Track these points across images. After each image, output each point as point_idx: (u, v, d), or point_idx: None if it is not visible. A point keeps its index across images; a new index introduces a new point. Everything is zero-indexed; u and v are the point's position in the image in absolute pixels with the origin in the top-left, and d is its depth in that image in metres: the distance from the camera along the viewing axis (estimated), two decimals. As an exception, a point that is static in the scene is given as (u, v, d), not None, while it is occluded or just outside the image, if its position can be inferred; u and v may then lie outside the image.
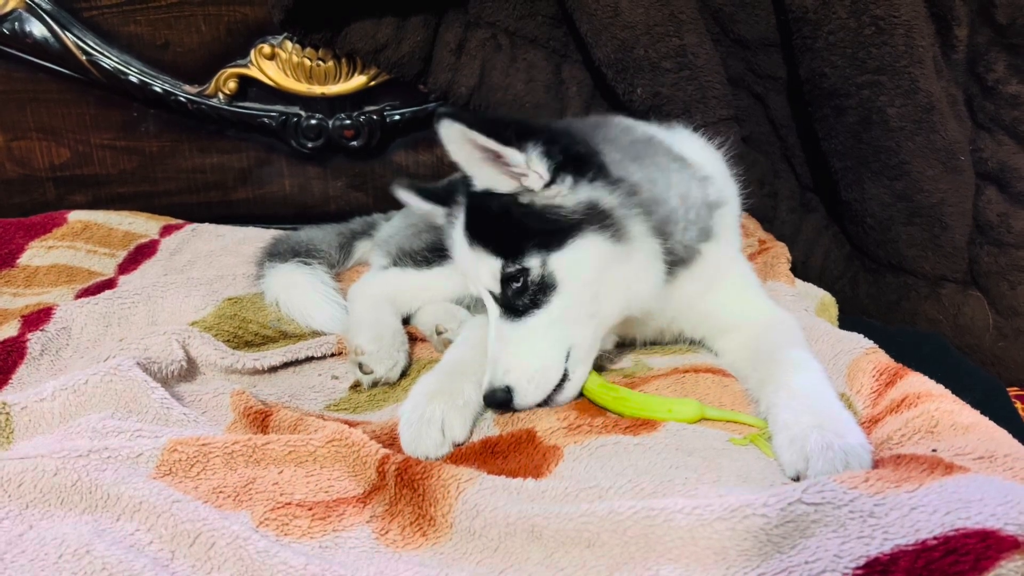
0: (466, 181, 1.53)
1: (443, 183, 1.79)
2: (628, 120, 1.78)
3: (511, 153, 1.41)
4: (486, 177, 1.46)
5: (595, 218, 1.44)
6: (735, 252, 1.74)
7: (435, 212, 1.74)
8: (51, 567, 1.10)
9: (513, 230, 1.45)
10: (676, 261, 1.55)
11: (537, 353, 1.43)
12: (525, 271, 1.43)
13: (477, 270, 1.50)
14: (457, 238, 1.56)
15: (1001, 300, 2.21)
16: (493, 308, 1.48)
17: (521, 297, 1.44)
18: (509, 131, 1.41)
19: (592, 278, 1.45)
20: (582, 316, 1.46)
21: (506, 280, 1.45)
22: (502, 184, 1.46)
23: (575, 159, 1.45)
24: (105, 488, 1.21)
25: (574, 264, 1.44)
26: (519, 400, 1.42)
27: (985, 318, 2.21)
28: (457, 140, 1.40)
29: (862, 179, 2.21)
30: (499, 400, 1.41)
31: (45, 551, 1.12)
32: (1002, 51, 2.16)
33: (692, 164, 1.64)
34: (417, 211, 1.83)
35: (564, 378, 1.45)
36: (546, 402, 1.45)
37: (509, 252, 1.44)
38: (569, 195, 1.45)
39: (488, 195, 1.48)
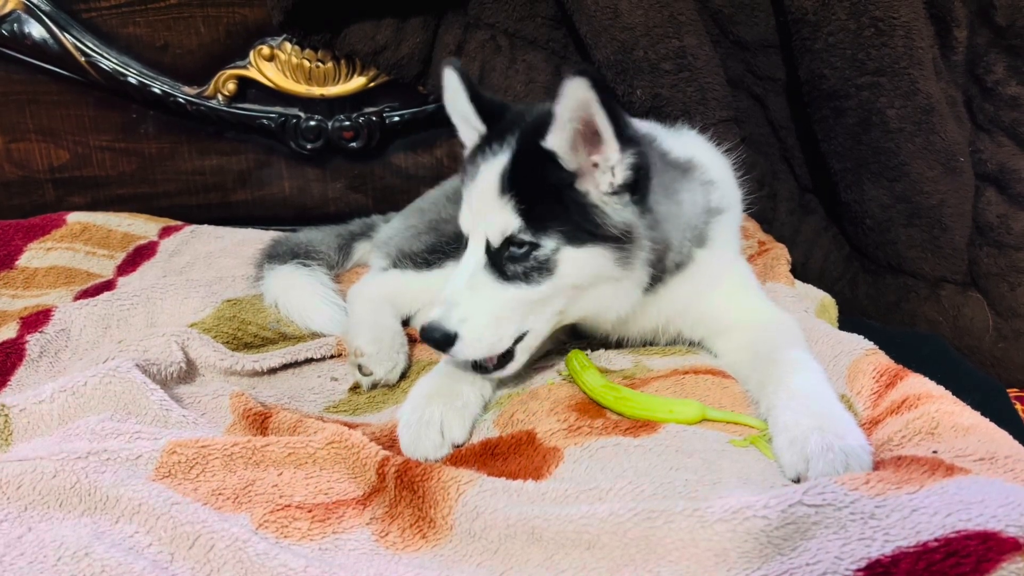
0: (531, 126, 1.45)
1: (497, 102, 1.61)
2: (662, 136, 1.72)
3: (612, 148, 1.38)
4: (563, 144, 1.40)
5: (621, 238, 1.43)
6: (733, 255, 1.73)
7: (469, 117, 1.57)
8: (50, 569, 1.10)
9: (551, 205, 1.42)
10: (666, 270, 1.54)
11: (498, 324, 1.43)
12: (535, 246, 1.42)
13: (490, 215, 1.44)
14: (486, 174, 1.45)
15: (1001, 301, 2.21)
16: (479, 253, 1.45)
17: (514, 264, 1.43)
18: (629, 130, 1.39)
19: (581, 284, 1.46)
20: (551, 311, 1.48)
21: (511, 242, 1.42)
22: (569, 159, 1.41)
23: (639, 179, 1.44)
24: (104, 490, 1.21)
25: (578, 265, 1.44)
26: (458, 350, 1.41)
27: (985, 319, 2.21)
28: (577, 101, 1.33)
29: (861, 180, 2.21)
30: (439, 340, 1.41)
31: (44, 553, 1.12)
32: (1001, 53, 2.17)
33: (697, 167, 1.63)
34: (450, 105, 1.61)
35: (509, 356, 1.48)
36: (481, 368, 1.48)
37: (533, 220, 1.41)
38: (619, 209, 1.43)
39: (548, 158, 1.41)
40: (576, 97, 1.33)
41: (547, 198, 1.42)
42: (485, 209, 1.45)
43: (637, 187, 1.43)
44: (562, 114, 1.36)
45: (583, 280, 1.46)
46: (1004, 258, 2.20)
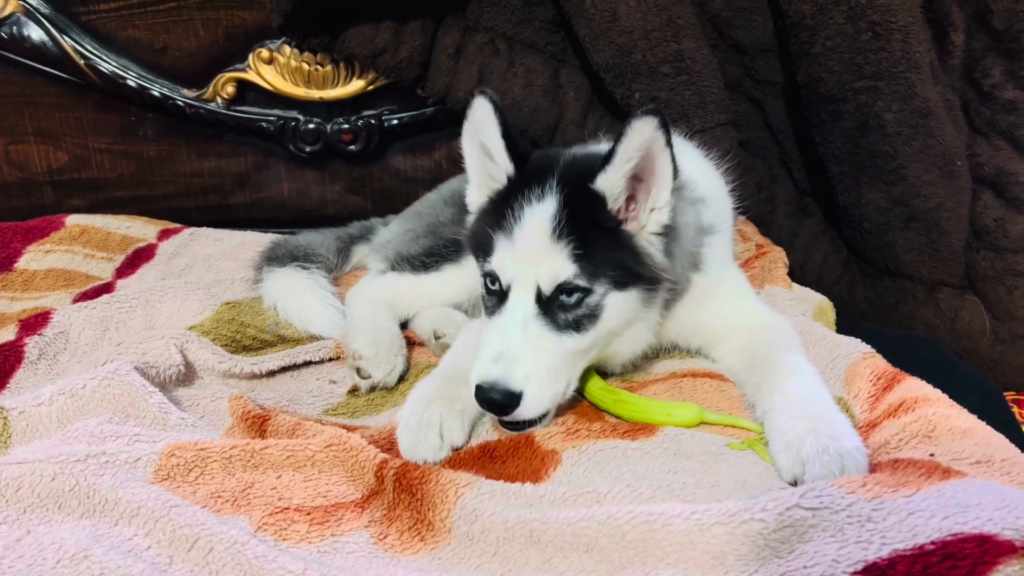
0: (571, 169, 1.42)
1: (524, 144, 1.54)
2: None
3: (667, 189, 1.38)
4: (615, 184, 1.38)
5: (653, 280, 1.44)
6: (726, 267, 1.72)
7: (493, 153, 1.50)
8: (49, 572, 1.10)
9: (602, 249, 1.39)
10: (669, 305, 1.55)
11: (556, 378, 1.38)
12: (588, 292, 1.39)
13: (542, 262, 1.38)
14: (534, 221, 1.39)
15: (998, 305, 2.22)
16: (527, 302, 1.38)
17: (565, 313, 1.39)
18: (681, 171, 1.39)
19: (616, 329, 1.45)
20: (589, 355, 1.46)
21: (564, 289, 1.38)
22: (618, 199, 1.39)
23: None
24: (103, 493, 1.21)
25: (619, 310, 1.42)
26: (522, 411, 1.34)
27: (982, 323, 2.22)
28: (642, 139, 1.33)
29: (859, 184, 2.22)
30: (501, 403, 1.32)
31: (43, 556, 1.12)
32: (998, 56, 2.17)
33: (686, 184, 1.58)
34: (473, 134, 1.53)
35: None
36: (514, 425, 1.38)
37: (586, 265, 1.37)
38: (660, 250, 1.44)
39: (595, 201, 1.40)
40: (643, 136, 1.32)
41: (599, 242, 1.39)
42: (536, 257, 1.39)
43: (668, 229, 1.44)
44: (623, 152, 1.35)
45: (620, 325, 1.44)
46: (1001, 261, 2.20)
